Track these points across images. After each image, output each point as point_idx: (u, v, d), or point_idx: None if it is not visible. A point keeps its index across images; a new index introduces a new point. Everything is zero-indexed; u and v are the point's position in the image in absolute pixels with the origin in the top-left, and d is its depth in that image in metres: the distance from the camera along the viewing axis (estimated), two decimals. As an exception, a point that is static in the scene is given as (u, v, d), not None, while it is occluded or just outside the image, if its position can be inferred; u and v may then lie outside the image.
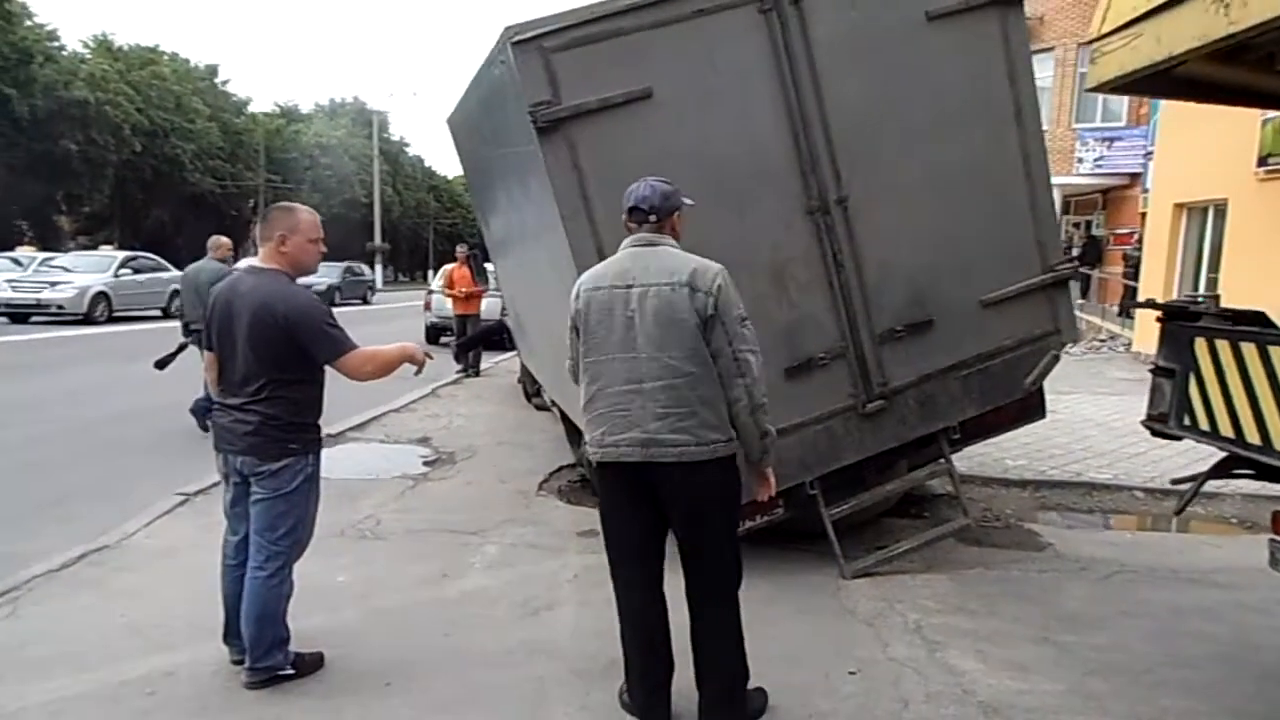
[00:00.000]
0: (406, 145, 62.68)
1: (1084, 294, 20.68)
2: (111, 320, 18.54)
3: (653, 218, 2.93)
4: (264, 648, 3.21)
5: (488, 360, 13.05)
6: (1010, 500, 6.39)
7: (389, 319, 21.14)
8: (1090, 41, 3.16)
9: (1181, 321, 3.39)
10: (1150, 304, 3.53)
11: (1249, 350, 2.98)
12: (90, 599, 4.14)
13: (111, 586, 4.31)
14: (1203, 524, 6.09)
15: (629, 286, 2.83)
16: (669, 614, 3.10)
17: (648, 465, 2.81)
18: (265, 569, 3.17)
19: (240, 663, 3.32)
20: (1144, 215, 16.96)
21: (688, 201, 3.08)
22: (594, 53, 3.95)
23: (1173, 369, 3.36)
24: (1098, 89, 3.24)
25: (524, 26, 3.91)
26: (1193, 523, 6.13)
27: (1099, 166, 20.53)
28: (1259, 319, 3.35)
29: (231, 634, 3.37)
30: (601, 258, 4.03)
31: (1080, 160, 20.45)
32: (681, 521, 2.94)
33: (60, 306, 17.86)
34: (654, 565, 3.04)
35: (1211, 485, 5.41)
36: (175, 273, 21.91)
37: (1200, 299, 3.36)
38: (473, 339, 12.04)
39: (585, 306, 2.91)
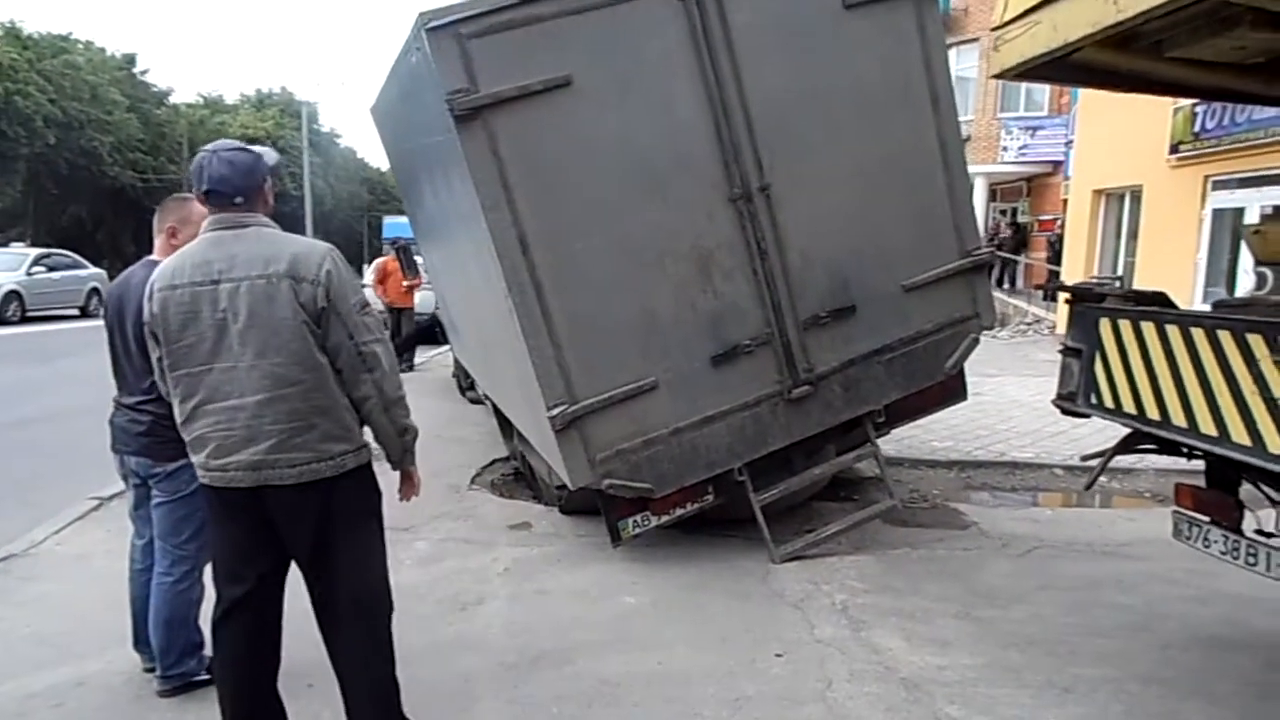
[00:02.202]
0: (338, 137, 61.37)
1: (1010, 279, 21.27)
2: (25, 320, 17.77)
3: (239, 200, 2.43)
4: (175, 654, 3.11)
5: (421, 354, 12.87)
6: (937, 481, 6.54)
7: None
8: (994, 29, 3.24)
9: (1088, 303, 3.49)
10: (1058, 286, 3.64)
11: (1148, 329, 3.09)
12: (-6, 609, 3.96)
13: (18, 596, 4.14)
14: (1120, 498, 6.32)
15: (215, 282, 2.34)
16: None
17: (263, 489, 2.41)
18: (171, 574, 3.08)
19: (152, 670, 3.21)
20: (1066, 202, 17.50)
21: (272, 157, 2.66)
22: (512, 39, 3.89)
23: (1080, 349, 3.47)
24: (1000, 75, 3.32)
25: (439, 12, 3.83)
26: (1111, 498, 6.35)
27: (1023, 155, 21.09)
28: (1160, 299, 3.47)
29: (141, 640, 3.27)
30: (524, 248, 4.02)
31: (1005, 149, 20.99)
32: (308, 550, 2.50)
33: (-32, 306, 17.08)
34: (267, 593, 2.60)
35: (1127, 461, 5.65)
36: (93, 270, 21.15)
37: (1104, 281, 3.46)
38: (408, 340, 11.85)
39: (162, 310, 2.39)
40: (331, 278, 2.37)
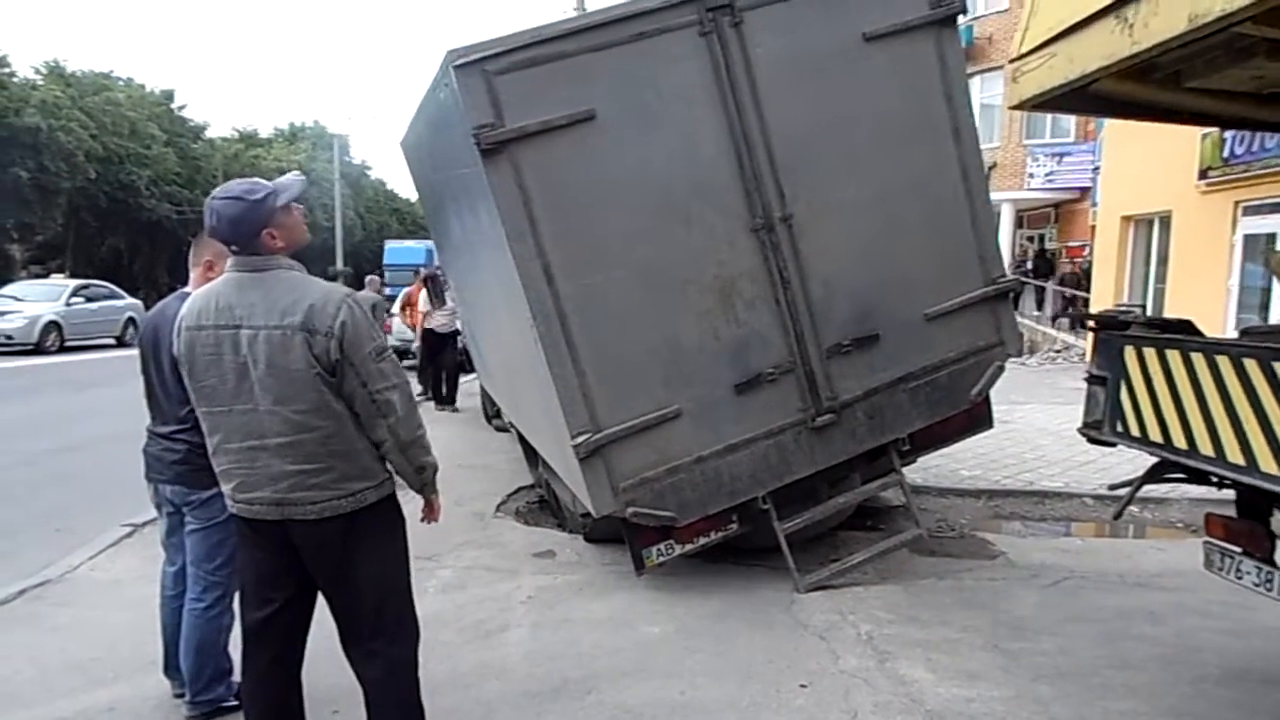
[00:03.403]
0: (368, 169, 62.19)
1: (1039, 306, 21.09)
2: (63, 350, 18.15)
3: (234, 248, 2.45)
4: (204, 680, 3.15)
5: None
6: (964, 510, 6.48)
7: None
8: (1011, 61, 3.26)
9: (1112, 331, 3.48)
10: (1083, 315, 3.62)
11: (1174, 357, 3.06)
12: (29, 635, 4.04)
13: (52, 621, 4.21)
14: (1152, 528, 6.22)
15: (236, 327, 2.38)
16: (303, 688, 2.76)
17: (287, 522, 2.47)
18: (203, 600, 3.13)
19: (182, 695, 3.26)
20: (1094, 228, 17.36)
21: (289, 191, 2.51)
22: (536, 75, 3.97)
23: (1105, 377, 3.45)
24: (1018, 107, 3.34)
25: (466, 50, 3.93)
26: (1143, 528, 6.25)
27: (1050, 181, 21.00)
28: (1186, 327, 3.45)
29: (172, 666, 3.32)
30: (549, 279, 4.08)
31: (1031, 175, 20.91)
32: (331, 577, 2.55)
33: (9, 336, 17.44)
34: (293, 618, 2.65)
35: (1159, 490, 5.55)
36: (129, 300, 21.61)
37: (1128, 309, 3.45)
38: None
39: (188, 349, 2.46)
40: (346, 329, 2.38)
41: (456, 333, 11.14)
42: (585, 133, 4.07)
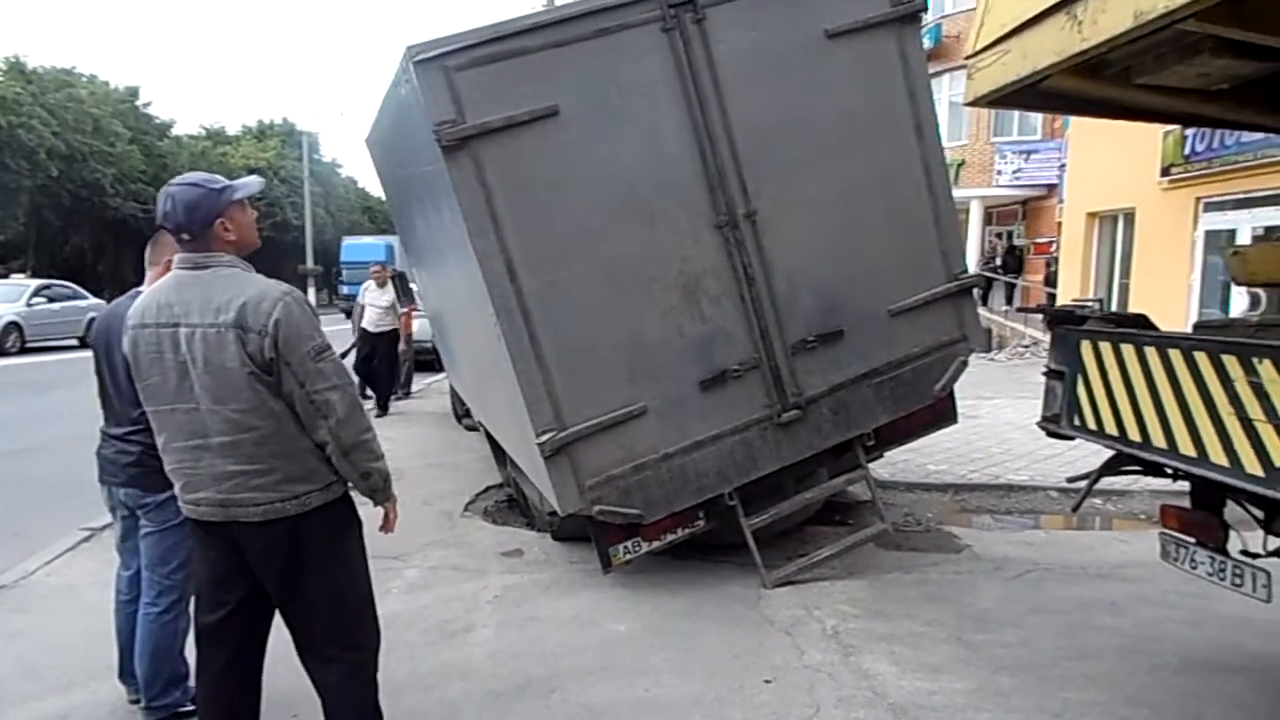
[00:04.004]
0: (339, 166, 61.58)
1: (1008, 301, 21.33)
2: (24, 351, 17.83)
3: (185, 237, 2.40)
4: (160, 685, 3.10)
5: (419, 381, 12.89)
6: (931, 504, 6.53)
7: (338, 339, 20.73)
8: (967, 58, 3.29)
9: (1069, 326, 3.52)
10: (1039, 309, 3.66)
11: (1128, 351, 3.11)
12: (-19, 641, 3.96)
13: (7, 628, 4.13)
14: (1114, 520, 6.30)
15: (175, 325, 2.36)
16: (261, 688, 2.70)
17: (232, 523, 2.43)
18: (158, 604, 3.08)
19: (137, 701, 3.20)
20: (1060, 224, 17.60)
21: (246, 188, 2.51)
22: (498, 71, 3.95)
23: (1063, 371, 3.49)
24: (974, 103, 3.37)
25: (426, 45, 3.89)
26: (1102, 519, 6.34)
27: (1017, 178, 21.26)
28: (1141, 321, 3.50)
29: (127, 672, 3.26)
30: (512, 275, 4.06)
31: (999, 172, 21.16)
32: (278, 583, 2.49)
33: (-34, 338, 17.14)
34: (247, 621, 2.60)
35: (1122, 482, 5.64)
36: (93, 300, 21.24)
37: (1085, 304, 3.49)
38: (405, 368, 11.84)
39: (133, 347, 2.44)
40: (280, 326, 2.31)
41: (395, 331, 10.75)
42: (548, 129, 4.05)
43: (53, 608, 4.38)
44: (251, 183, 2.54)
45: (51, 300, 19.59)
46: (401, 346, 10.88)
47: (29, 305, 18.66)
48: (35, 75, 37.06)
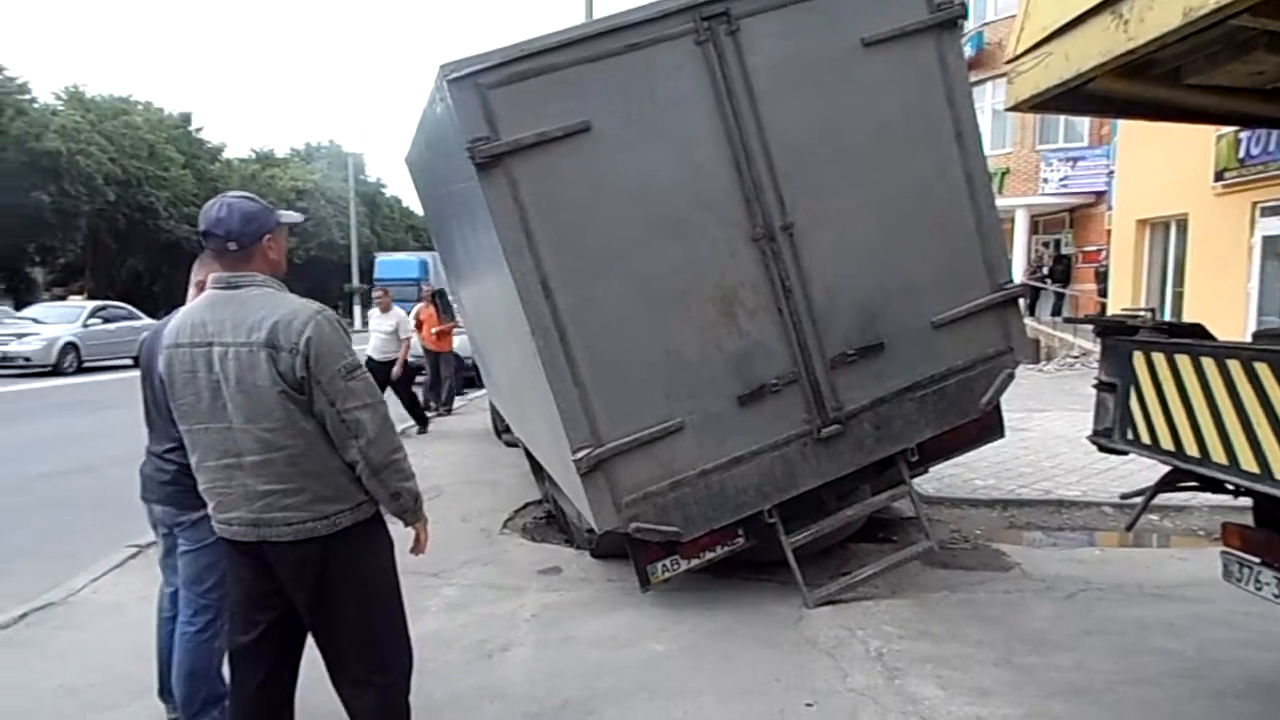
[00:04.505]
0: (383, 186, 62.78)
1: (1057, 311, 20.88)
2: (81, 371, 18.33)
3: (232, 246, 2.42)
4: (197, 705, 3.10)
5: (461, 399, 12.97)
6: (979, 520, 6.36)
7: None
8: (1007, 62, 3.20)
9: (1120, 336, 3.39)
10: (1088, 319, 3.53)
11: (1184, 362, 2.98)
12: (25, 659, 4.02)
13: (51, 646, 4.19)
14: (1173, 537, 6.08)
15: (209, 345, 2.37)
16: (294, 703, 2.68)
17: (263, 543, 2.43)
18: (194, 623, 3.08)
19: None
20: (1109, 232, 17.19)
21: (289, 216, 2.63)
22: (531, 88, 3.94)
23: (1114, 383, 3.36)
24: (1015, 108, 3.27)
25: (460, 63, 3.90)
26: (1163, 536, 6.12)
27: (1064, 186, 20.84)
28: (1196, 331, 3.36)
29: (166, 690, 3.27)
30: (547, 293, 4.04)
31: (1045, 180, 20.76)
32: (309, 604, 2.48)
33: (27, 359, 17.64)
34: (280, 642, 2.60)
35: (1180, 498, 5.44)
36: (147, 321, 21.77)
37: (1136, 313, 3.36)
38: (448, 384, 11.95)
39: (168, 367, 2.46)
40: (312, 345, 2.31)
41: (395, 361, 10.31)
42: (581, 144, 4.03)
43: (97, 626, 4.44)
44: (294, 215, 2.67)
45: (107, 321, 20.12)
46: (396, 370, 10.32)
47: (85, 326, 19.19)
48: (93, 104, 38.43)
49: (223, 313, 2.39)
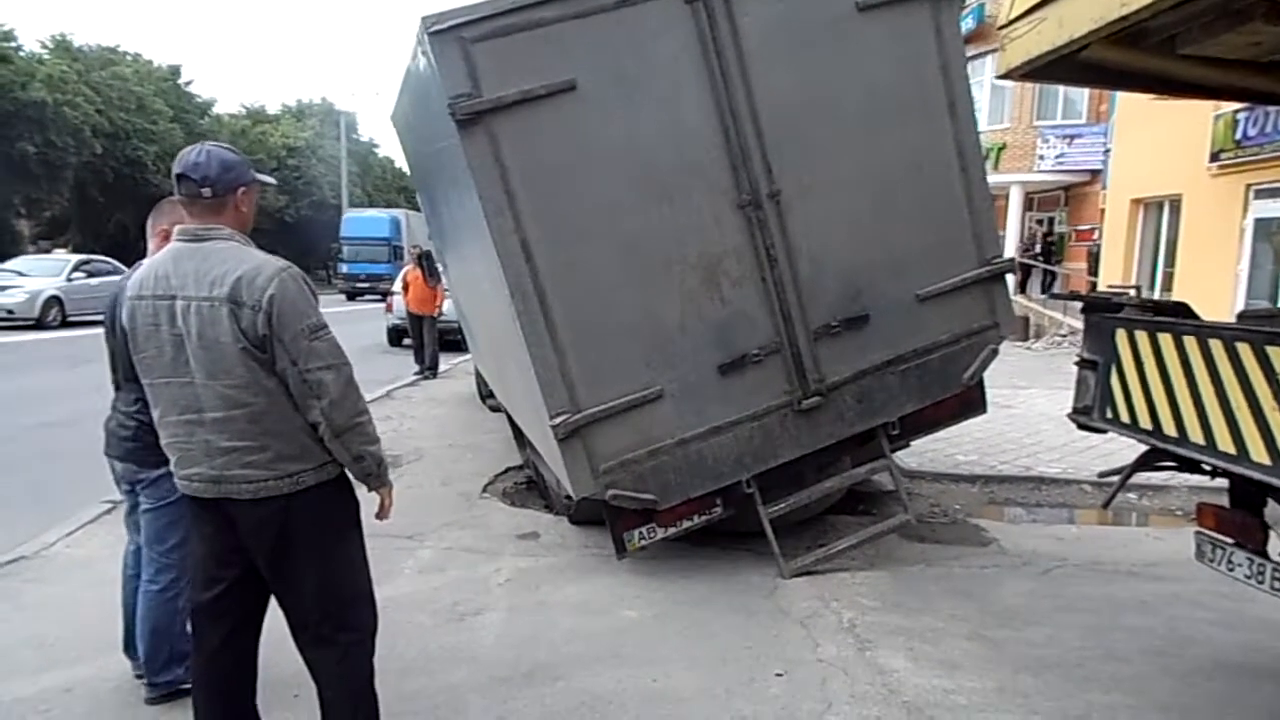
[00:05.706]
0: (376, 146, 61.96)
1: (1047, 289, 20.87)
2: (65, 325, 18.14)
3: (206, 192, 2.35)
4: (161, 661, 3.08)
5: (446, 361, 12.91)
6: (959, 495, 6.37)
7: (355, 320, 20.86)
8: (1000, 28, 3.12)
9: (1104, 313, 3.35)
10: (1073, 296, 3.49)
11: (1166, 341, 2.94)
12: (-5, 612, 3.98)
13: (23, 599, 4.16)
14: (1149, 516, 6.10)
15: (172, 298, 2.31)
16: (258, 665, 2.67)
17: (224, 500, 2.39)
18: (156, 582, 3.05)
19: (142, 676, 3.19)
20: (1103, 211, 17.13)
21: (266, 178, 2.61)
22: (515, 43, 3.84)
23: (1096, 361, 3.33)
24: (1006, 75, 3.20)
25: (442, 16, 3.79)
26: (1137, 515, 6.14)
27: (1060, 163, 20.69)
28: (1181, 310, 3.32)
29: (131, 646, 3.25)
30: (527, 255, 3.97)
31: (1041, 157, 20.60)
32: (270, 562, 2.43)
33: (10, 311, 17.43)
34: (243, 600, 2.56)
35: (1159, 477, 5.45)
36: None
37: (1121, 290, 3.33)
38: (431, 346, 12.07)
39: (131, 319, 2.40)
40: (275, 302, 2.25)
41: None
42: (566, 104, 3.94)
43: (68, 580, 4.41)
44: (269, 178, 2.66)
45: (91, 275, 19.86)
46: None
47: (69, 280, 18.95)
48: (81, 53, 37.66)
49: (186, 265, 2.33)
